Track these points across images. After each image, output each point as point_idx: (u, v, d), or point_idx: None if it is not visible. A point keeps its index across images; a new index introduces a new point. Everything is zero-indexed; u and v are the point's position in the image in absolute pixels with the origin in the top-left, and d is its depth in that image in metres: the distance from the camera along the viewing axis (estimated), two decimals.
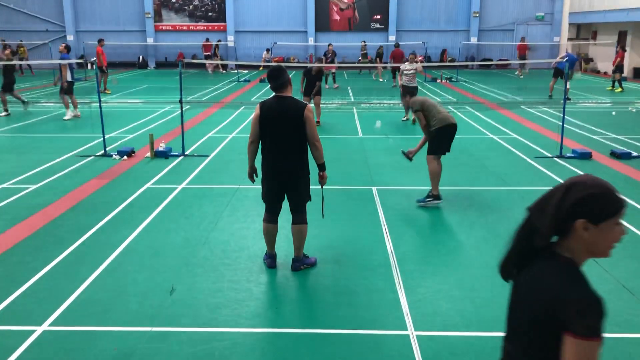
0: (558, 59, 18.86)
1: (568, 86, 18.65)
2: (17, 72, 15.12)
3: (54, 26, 32.12)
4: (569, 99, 18.52)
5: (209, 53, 29.54)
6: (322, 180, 5.21)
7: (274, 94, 5.06)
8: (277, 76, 4.96)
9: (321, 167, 5.10)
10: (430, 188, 7.20)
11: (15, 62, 15.03)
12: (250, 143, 5.10)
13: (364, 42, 27.91)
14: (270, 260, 5.34)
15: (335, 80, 22.43)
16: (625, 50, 20.97)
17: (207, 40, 30.06)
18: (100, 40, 20.55)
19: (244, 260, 5.52)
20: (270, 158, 5.02)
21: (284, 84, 4.97)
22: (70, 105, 14.29)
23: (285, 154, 4.97)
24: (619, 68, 20.59)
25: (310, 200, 5.27)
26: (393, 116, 14.75)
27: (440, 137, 7.10)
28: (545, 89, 20.40)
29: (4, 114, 14.71)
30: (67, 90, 14.15)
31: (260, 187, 5.25)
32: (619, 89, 20.48)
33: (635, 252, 5.74)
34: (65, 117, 14.11)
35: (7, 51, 16.16)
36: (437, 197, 7.18)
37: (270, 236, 5.28)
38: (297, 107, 4.91)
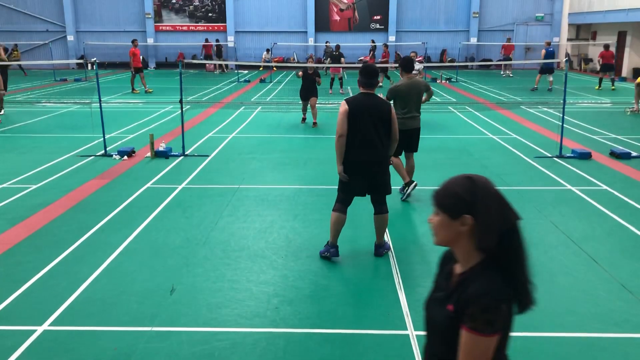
0: (543, 59, 19.44)
1: (551, 78, 19.53)
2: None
3: (54, 26, 32.14)
4: (550, 90, 19.31)
5: (209, 54, 29.59)
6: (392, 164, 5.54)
7: (360, 90, 5.32)
8: (372, 74, 5.28)
9: (393, 155, 5.56)
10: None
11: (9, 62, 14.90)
12: (339, 137, 5.20)
13: (328, 42, 27.71)
14: (335, 249, 5.48)
15: (343, 85, 20.39)
16: (608, 50, 21.06)
17: (207, 40, 30.09)
18: (134, 41, 20.52)
19: (244, 260, 5.52)
20: (359, 151, 5.20)
21: (375, 84, 5.32)
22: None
23: (375, 147, 5.21)
24: (606, 67, 20.93)
25: (391, 193, 5.57)
26: None
27: None
28: (544, 89, 20.43)
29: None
30: None
31: (339, 184, 5.50)
32: (597, 87, 21.11)
33: (635, 252, 5.75)
34: None
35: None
36: (408, 183, 7.47)
37: (339, 226, 5.45)
38: (385, 104, 5.31)
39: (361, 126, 5.17)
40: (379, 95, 5.45)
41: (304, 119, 13.77)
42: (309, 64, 13.66)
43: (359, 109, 5.18)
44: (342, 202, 5.44)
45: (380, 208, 5.50)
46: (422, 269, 5.35)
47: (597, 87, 21.19)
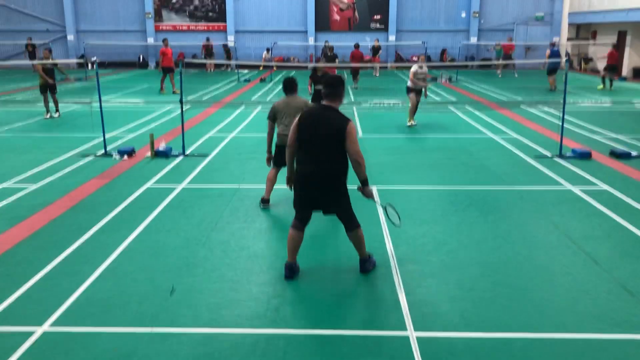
0: (547, 59, 19.60)
1: (551, 79, 19.55)
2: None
3: (55, 26, 32.15)
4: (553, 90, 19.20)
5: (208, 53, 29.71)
6: (364, 195, 5.04)
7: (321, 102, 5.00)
8: (333, 85, 4.94)
9: (363, 182, 4.95)
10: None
11: (45, 62, 14.55)
12: (287, 147, 5.08)
13: (327, 41, 27.61)
14: (288, 270, 5.12)
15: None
16: (614, 49, 21.02)
17: (207, 40, 30.12)
18: (164, 40, 20.24)
19: (244, 260, 5.52)
20: (303, 164, 4.93)
21: (337, 95, 4.94)
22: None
23: (319, 163, 4.84)
24: (611, 67, 20.84)
25: (343, 212, 5.09)
26: (392, 117, 14.74)
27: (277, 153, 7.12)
28: (543, 88, 20.43)
29: (56, 115, 14.51)
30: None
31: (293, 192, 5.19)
32: (601, 86, 20.89)
33: (635, 252, 5.74)
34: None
35: (45, 52, 15.04)
36: (265, 201, 7.19)
37: (293, 243, 5.12)
38: (341, 121, 4.83)
39: (308, 138, 4.86)
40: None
41: None
42: (320, 64, 13.07)
43: (310, 121, 4.87)
44: (298, 219, 5.10)
45: (347, 225, 5.08)
46: (422, 269, 5.35)
47: (600, 87, 20.95)
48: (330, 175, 4.89)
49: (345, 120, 4.83)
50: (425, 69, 13.15)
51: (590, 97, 18.73)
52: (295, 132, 4.96)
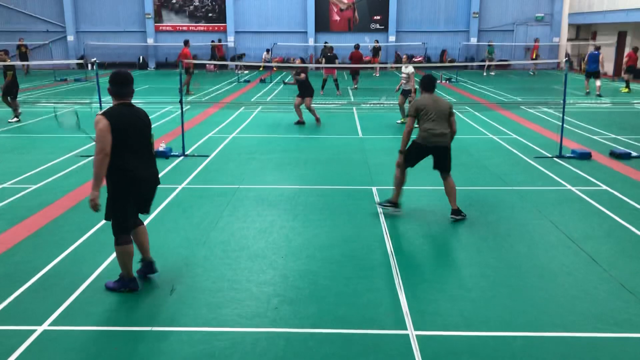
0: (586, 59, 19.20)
1: (598, 83, 18.94)
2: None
3: (55, 27, 32.16)
4: (600, 96, 18.56)
5: (222, 55, 29.88)
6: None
7: (118, 101, 4.65)
8: (128, 82, 4.63)
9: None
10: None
11: (15, 63, 14.17)
12: (104, 156, 4.41)
13: (327, 42, 27.57)
14: (134, 282, 4.88)
15: (339, 87, 19.55)
16: (636, 52, 20.78)
17: (216, 41, 30.28)
18: (186, 42, 19.97)
19: (244, 260, 5.52)
20: (137, 168, 4.62)
21: (132, 92, 4.71)
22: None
23: (148, 161, 4.78)
24: (632, 69, 20.46)
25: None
26: (392, 117, 14.75)
27: (410, 150, 6.91)
28: (544, 89, 20.44)
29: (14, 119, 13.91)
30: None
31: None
32: (626, 89, 20.41)
33: (635, 252, 5.75)
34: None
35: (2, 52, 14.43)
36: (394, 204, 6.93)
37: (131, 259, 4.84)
38: (146, 115, 4.83)
39: (132, 140, 4.58)
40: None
41: (298, 122, 13.45)
42: (296, 64, 13.88)
43: (126, 121, 4.53)
44: (127, 231, 4.80)
45: (141, 221, 4.98)
46: (422, 269, 5.35)
47: (625, 90, 20.24)
48: (157, 173, 4.93)
49: (146, 114, 4.84)
50: (409, 69, 13.14)
51: (590, 98, 18.72)
52: (110, 137, 4.40)
